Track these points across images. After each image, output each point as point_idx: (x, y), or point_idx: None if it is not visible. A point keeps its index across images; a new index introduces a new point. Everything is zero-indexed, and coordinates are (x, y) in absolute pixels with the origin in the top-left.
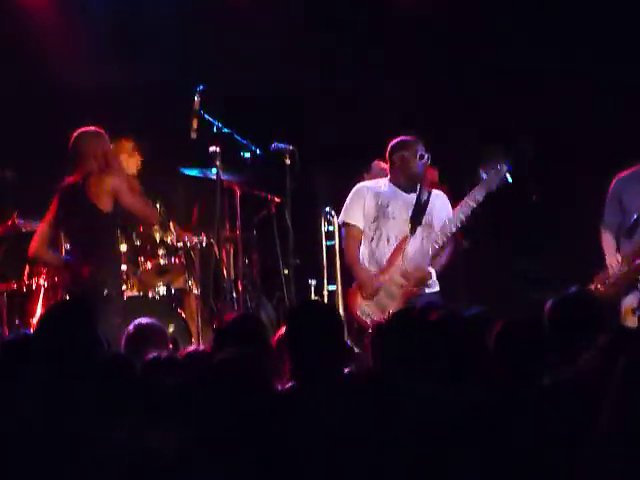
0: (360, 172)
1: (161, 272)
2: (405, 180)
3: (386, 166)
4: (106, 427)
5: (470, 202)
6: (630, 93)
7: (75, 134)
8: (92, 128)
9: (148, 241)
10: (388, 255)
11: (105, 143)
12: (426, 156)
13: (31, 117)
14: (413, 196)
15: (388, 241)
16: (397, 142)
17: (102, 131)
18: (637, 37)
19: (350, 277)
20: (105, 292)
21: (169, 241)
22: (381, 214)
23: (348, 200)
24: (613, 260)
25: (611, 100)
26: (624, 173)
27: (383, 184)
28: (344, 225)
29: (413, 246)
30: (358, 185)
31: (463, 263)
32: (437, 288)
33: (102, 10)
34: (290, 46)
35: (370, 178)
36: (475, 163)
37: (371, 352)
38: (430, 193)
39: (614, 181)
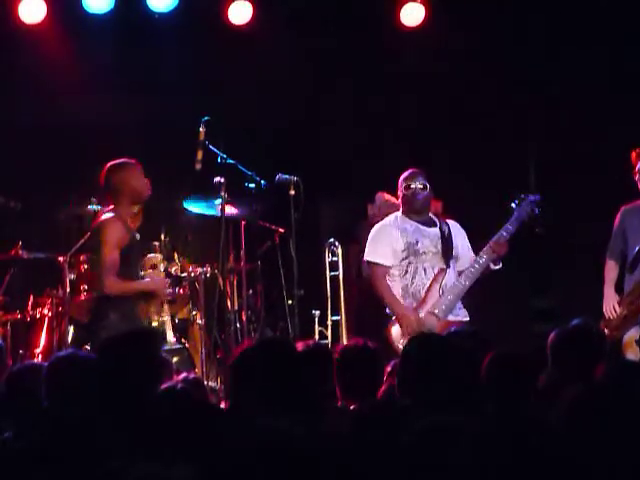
0: (364, 204)
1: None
2: (413, 214)
3: (389, 197)
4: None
5: (504, 233)
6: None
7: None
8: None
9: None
10: (426, 287)
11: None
12: (418, 188)
13: (36, 148)
14: (436, 230)
15: (425, 272)
16: (400, 179)
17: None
18: None
19: (356, 306)
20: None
21: (173, 271)
22: (412, 251)
23: (372, 239)
24: (610, 292)
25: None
26: (629, 205)
27: (402, 220)
28: (370, 264)
29: (450, 278)
30: (380, 224)
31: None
32: (467, 317)
33: (104, 42)
34: (292, 76)
35: (374, 209)
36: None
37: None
38: (447, 224)
39: (619, 212)
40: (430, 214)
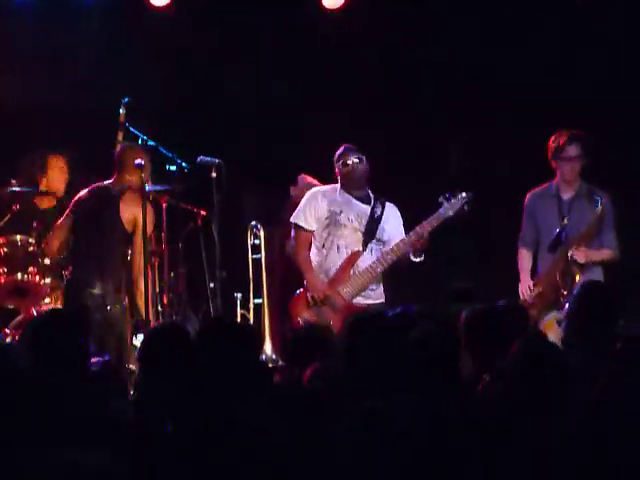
0: (286, 187)
1: None
2: (348, 189)
3: (312, 180)
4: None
5: (426, 226)
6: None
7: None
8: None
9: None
10: (337, 266)
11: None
12: (361, 160)
13: None
14: (367, 208)
15: (338, 250)
16: (335, 156)
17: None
18: None
19: (282, 287)
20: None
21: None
22: (333, 221)
23: (301, 203)
24: (526, 277)
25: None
26: (536, 189)
27: (338, 191)
28: (295, 227)
29: (364, 260)
30: (313, 189)
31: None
32: (382, 299)
33: (24, 22)
34: (212, 59)
35: (296, 191)
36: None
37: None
38: (384, 205)
39: (527, 198)
40: (369, 191)
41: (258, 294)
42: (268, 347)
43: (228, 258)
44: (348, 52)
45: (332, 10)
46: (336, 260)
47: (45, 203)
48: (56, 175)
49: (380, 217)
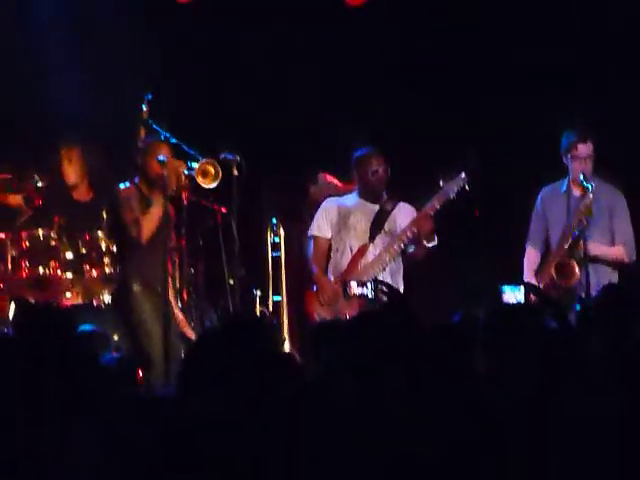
0: (306, 185)
1: (106, 280)
2: (366, 194)
3: (332, 179)
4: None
5: (429, 208)
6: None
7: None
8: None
9: (94, 249)
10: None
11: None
12: (380, 170)
13: None
14: (376, 207)
15: (351, 250)
16: (354, 159)
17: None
18: None
19: (300, 286)
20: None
21: (115, 250)
22: (343, 225)
23: (317, 213)
24: (529, 277)
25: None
26: (546, 187)
27: (351, 197)
28: (311, 238)
29: (373, 254)
30: (328, 199)
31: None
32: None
33: (51, 19)
34: (237, 56)
35: (316, 190)
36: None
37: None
38: (396, 203)
39: (539, 195)
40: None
41: (277, 291)
42: (287, 344)
43: (247, 255)
44: (367, 50)
45: (352, 6)
46: (348, 261)
47: (76, 195)
48: (69, 167)
49: (389, 211)
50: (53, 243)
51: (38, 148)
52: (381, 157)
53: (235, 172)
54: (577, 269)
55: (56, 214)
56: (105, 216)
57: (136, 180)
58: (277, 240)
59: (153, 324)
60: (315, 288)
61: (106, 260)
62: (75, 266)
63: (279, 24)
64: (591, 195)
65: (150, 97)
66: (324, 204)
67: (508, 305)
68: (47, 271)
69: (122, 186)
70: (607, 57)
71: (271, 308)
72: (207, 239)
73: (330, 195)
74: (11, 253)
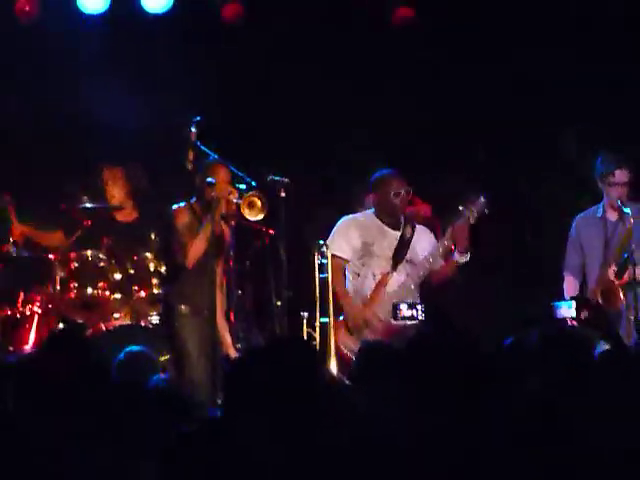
0: (354, 206)
1: (154, 301)
2: (386, 216)
3: None
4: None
5: (462, 223)
6: None
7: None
8: None
9: (142, 270)
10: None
11: None
12: (402, 192)
13: (30, 145)
14: (397, 233)
15: (374, 277)
16: (374, 180)
17: None
18: None
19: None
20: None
21: (163, 271)
22: (367, 252)
23: (334, 232)
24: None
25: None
26: (582, 214)
27: (370, 219)
28: (331, 256)
29: (396, 282)
30: (344, 218)
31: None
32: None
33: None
34: (285, 76)
35: (363, 211)
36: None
37: None
38: (414, 229)
39: (574, 222)
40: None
41: (324, 313)
42: (333, 366)
43: (295, 277)
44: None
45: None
46: (372, 286)
47: (121, 216)
48: (113, 187)
49: (410, 239)
50: (101, 264)
51: (86, 169)
52: (403, 179)
53: (282, 194)
54: (621, 293)
55: (104, 235)
56: (153, 237)
57: (192, 200)
58: (324, 261)
59: (195, 347)
60: (340, 318)
61: (154, 281)
62: (123, 287)
63: (324, 50)
64: (632, 220)
65: (198, 119)
66: (344, 224)
67: (561, 329)
68: (95, 292)
69: (175, 206)
70: None
71: (318, 330)
72: (255, 261)
73: None
74: (60, 274)
